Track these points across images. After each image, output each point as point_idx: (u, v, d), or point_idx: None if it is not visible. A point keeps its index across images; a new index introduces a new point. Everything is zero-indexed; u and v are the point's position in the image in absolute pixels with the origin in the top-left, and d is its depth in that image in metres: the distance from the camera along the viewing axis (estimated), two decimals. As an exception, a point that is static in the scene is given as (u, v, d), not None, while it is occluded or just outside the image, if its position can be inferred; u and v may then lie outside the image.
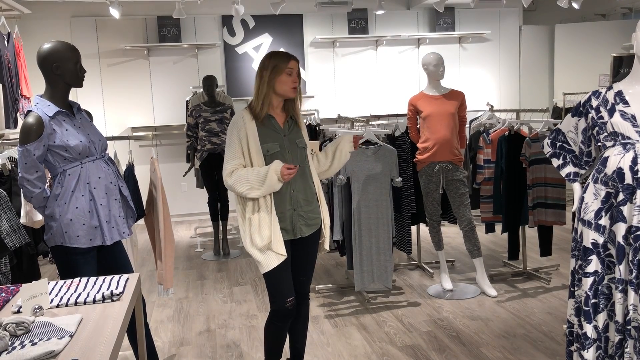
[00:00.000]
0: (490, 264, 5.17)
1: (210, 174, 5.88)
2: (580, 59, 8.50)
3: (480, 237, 4.69)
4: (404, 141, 4.79)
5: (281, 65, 2.71)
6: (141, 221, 3.51)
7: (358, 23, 7.94)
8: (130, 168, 3.31)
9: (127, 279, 2.24)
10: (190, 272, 5.51)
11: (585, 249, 2.41)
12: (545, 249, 4.74)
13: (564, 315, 3.98)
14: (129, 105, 7.60)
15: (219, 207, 6.00)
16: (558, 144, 2.66)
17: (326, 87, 8.05)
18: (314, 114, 6.84)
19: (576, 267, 2.49)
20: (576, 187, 2.58)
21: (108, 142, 3.01)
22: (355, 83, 8.13)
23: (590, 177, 2.45)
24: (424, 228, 5.32)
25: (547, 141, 2.71)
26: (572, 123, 2.59)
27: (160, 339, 3.95)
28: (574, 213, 3.44)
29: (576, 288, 2.48)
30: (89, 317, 1.88)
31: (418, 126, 4.62)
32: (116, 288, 2.11)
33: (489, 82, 8.50)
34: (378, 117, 6.95)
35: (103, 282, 2.20)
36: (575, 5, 7.25)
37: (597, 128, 2.44)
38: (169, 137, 7.73)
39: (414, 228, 5.05)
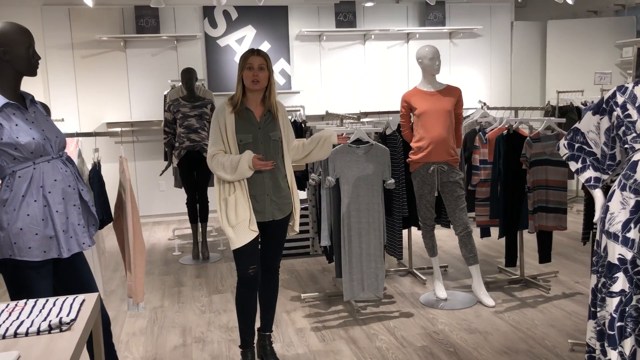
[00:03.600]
0: (485, 270, 4.89)
1: (189, 173, 5.53)
2: (572, 56, 8.28)
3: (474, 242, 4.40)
4: (396, 140, 4.50)
5: (244, 61, 3.04)
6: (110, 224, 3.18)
7: (346, 16, 7.62)
8: (95, 168, 2.96)
9: (83, 301, 1.90)
10: (167, 277, 5.16)
11: (611, 265, 2.13)
12: (545, 255, 4.47)
13: (567, 329, 3.72)
14: (105, 99, 7.20)
15: (198, 208, 5.65)
16: (576, 145, 2.37)
17: (312, 83, 7.72)
18: (299, 110, 6.51)
19: (599, 285, 2.20)
20: (597, 194, 2.29)
21: (72, 138, 2.66)
22: (343, 78, 7.81)
23: (616, 183, 2.16)
24: (415, 232, 5.04)
25: (563, 142, 2.42)
26: (593, 122, 2.30)
27: (131, 355, 3.61)
28: (588, 220, 3.18)
29: (599, 309, 2.20)
30: (29, 354, 1.54)
31: (411, 124, 4.33)
32: (67, 314, 1.77)
33: (479, 79, 8.24)
34: (366, 115, 6.65)
35: (53, 305, 1.87)
36: (569, 1, 7.02)
37: (623, 128, 2.15)
38: (147, 133, 7.35)
39: (405, 232, 4.76)
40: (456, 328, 3.80)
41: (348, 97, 7.81)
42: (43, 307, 1.85)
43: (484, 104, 6.74)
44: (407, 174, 4.48)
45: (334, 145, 3.46)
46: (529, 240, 4.76)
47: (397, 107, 7.47)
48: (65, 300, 1.90)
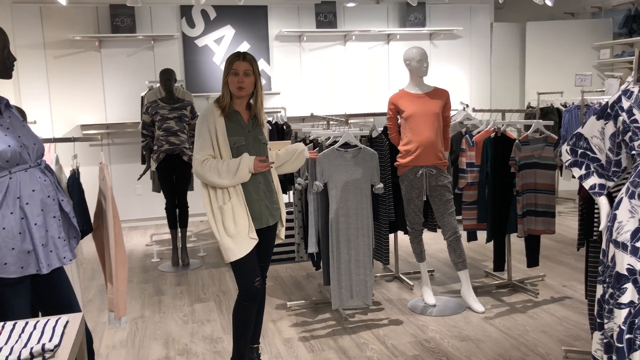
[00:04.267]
0: (472, 274, 4.81)
1: (168, 177, 5.36)
2: (551, 57, 8.32)
3: (464, 247, 4.33)
4: (382, 143, 4.41)
5: (229, 66, 2.94)
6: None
7: (326, 16, 7.51)
8: (74, 176, 2.80)
9: (67, 322, 1.76)
10: (146, 286, 4.99)
11: (619, 276, 2.06)
12: (533, 259, 4.42)
13: (559, 335, 3.67)
14: (79, 101, 6.97)
15: (177, 213, 5.49)
16: (579, 151, 2.30)
17: (292, 84, 7.60)
18: (280, 112, 6.38)
19: (606, 296, 2.13)
20: (602, 201, 2.23)
21: (49, 144, 2.50)
22: (323, 79, 7.70)
23: (624, 191, 2.10)
24: (401, 236, 4.96)
25: (565, 147, 2.35)
26: (598, 127, 2.24)
27: (111, 369, 3.46)
28: (583, 226, 3.11)
29: (606, 320, 2.13)
30: (9, 387, 1.40)
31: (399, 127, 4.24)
32: (50, 339, 1.63)
33: (460, 80, 8.22)
34: (349, 117, 6.54)
35: (34, 328, 1.72)
36: (548, 3, 7.03)
37: (630, 133, 2.09)
38: (122, 135, 7.14)
39: (391, 236, 4.67)
40: (447, 335, 3.73)
41: (329, 99, 7.71)
42: (23, 331, 1.70)
43: (466, 105, 6.70)
44: (393, 177, 4.40)
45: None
46: (515, 243, 4.72)
47: (380, 109, 7.46)
48: (47, 322, 1.76)
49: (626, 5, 8.08)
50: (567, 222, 6.52)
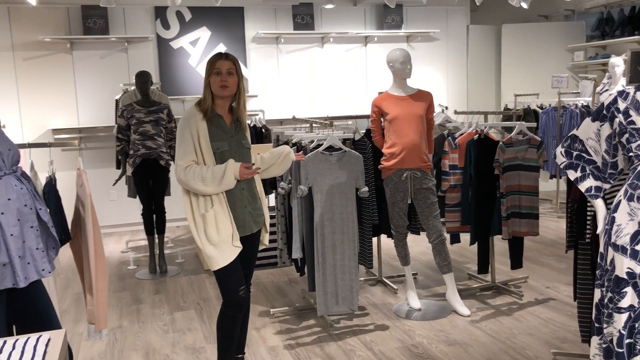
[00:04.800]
0: (455, 277, 4.71)
1: (144, 182, 5.21)
2: (526, 60, 8.38)
3: (449, 250, 4.30)
4: (365, 145, 4.36)
5: (211, 66, 2.83)
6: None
7: (303, 18, 7.44)
8: (51, 182, 2.67)
9: (48, 340, 1.65)
10: (123, 294, 4.84)
11: (619, 280, 2.03)
12: (517, 261, 4.41)
13: (546, 337, 3.65)
14: (50, 104, 6.77)
15: (154, 219, 5.34)
16: (575, 153, 2.27)
17: (270, 86, 7.51)
18: (258, 114, 6.28)
19: (605, 301, 2.10)
20: (599, 204, 2.20)
21: (22, 150, 2.38)
22: (301, 82, 7.63)
23: (622, 193, 2.07)
24: (385, 240, 4.92)
25: (560, 150, 2.32)
26: (593, 129, 2.21)
27: (90, 383, 3.32)
28: (572, 227, 3.09)
29: (605, 325, 2.10)
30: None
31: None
32: (31, 359, 1.52)
33: (437, 82, 8.22)
34: (332, 119, 6.48)
35: (13, 348, 1.60)
36: (524, 5, 7.08)
37: (627, 135, 2.06)
38: (95, 140, 6.96)
39: (374, 240, 4.62)
40: (434, 340, 3.68)
41: (307, 101, 7.64)
42: (0, 352, 1.59)
43: (446, 107, 6.70)
44: (377, 180, 4.35)
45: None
46: (497, 245, 4.71)
47: (358, 111, 7.42)
48: (27, 341, 1.64)
49: (598, 8, 8.19)
50: (546, 223, 6.56)
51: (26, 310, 2.15)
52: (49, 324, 2.16)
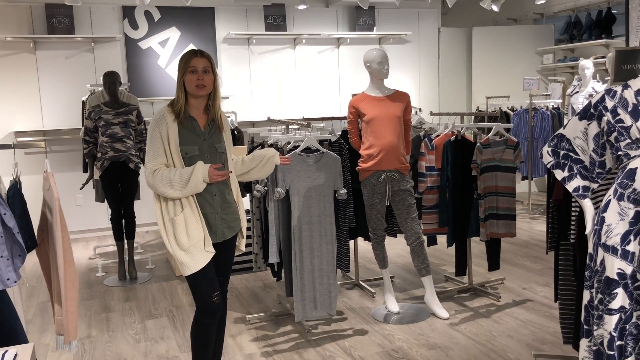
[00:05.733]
0: (433, 279, 4.76)
1: (113, 186, 5.04)
2: (497, 62, 8.45)
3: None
4: (341, 147, 4.28)
5: (185, 64, 2.69)
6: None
7: (275, 19, 7.35)
8: (16, 186, 2.52)
9: (15, 355, 1.52)
10: (92, 302, 4.66)
11: (609, 281, 1.99)
12: (494, 262, 4.40)
13: (526, 339, 3.63)
14: (12, 106, 6.52)
15: (123, 224, 5.17)
16: (562, 152, 2.23)
17: (241, 88, 7.39)
18: (230, 116, 6.16)
19: (595, 302, 2.06)
20: (587, 204, 2.17)
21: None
22: (273, 83, 7.53)
23: (612, 193, 2.04)
24: (361, 243, 4.85)
25: (546, 149, 2.28)
26: (580, 128, 2.17)
27: (57, 397, 3.16)
28: (553, 227, 3.07)
29: (595, 327, 2.06)
30: None
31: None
32: (-2, 377, 1.39)
33: (409, 84, 8.22)
34: (309, 120, 6.40)
35: (-23, 365, 1.48)
36: (495, 8, 7.13)
37: (615, 134, 2.03)
38: (60, 142, 6.73)
39: (351, 243, 4.55)
40: (415, 344, 3.62)
41: (279, 103, 7.54)
42: (-37, 369, 1.46)
43: (419, 109, 6.69)
44: (354, 183, 4.28)
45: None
46: (474, 247, 4.69)
47: (330, 113, 7.35)
48: (-8, 357, 1.52)
49: (566, 12, 8.31)
50: (519, 224, 6.58)
51: (-10, 323, 2.01)
52: (15, 337, 2.02)
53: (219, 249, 2.80)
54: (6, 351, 1.55)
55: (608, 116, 2.06)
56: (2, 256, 1.97)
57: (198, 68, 2.67)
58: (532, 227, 6.54)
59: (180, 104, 2.71)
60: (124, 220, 5.17)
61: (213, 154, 2.76)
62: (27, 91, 6.56)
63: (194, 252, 2.63)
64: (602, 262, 2.03)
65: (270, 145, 3.94)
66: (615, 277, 1.98)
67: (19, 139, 6.48)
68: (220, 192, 2.77)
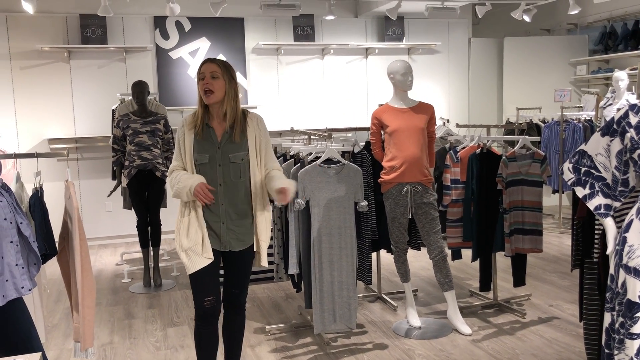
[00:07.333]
0: (456, 294, 4.63)
1: (139, 194, 5.11)
2: (528, 73, 8.32)
3: (450, 267, 4.18)
4: (364, 158, 4.26)
5: (197, 72, 2.79)
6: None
7: (304, 30, 7.38)
8: (37, 194, 2.57)
9: (23, 364, 1.54)
10: (116, 308, 4.72)
11: (631, 304, 1.92)
12: (519, 278, 4.30)
13: (550, 358, 3.53)
14: (46, 114, 6.69)
15: (149, 231, 5.24)
16: (583, 169, 2.16)
17: (269, 98, 7.43)
18: (257, 126, 6.18)
19: (616, 326, 1.98)
20: (609, 223, 2.09)
21: (11, 160, 2.28)
22: (301, 93, 7.55)
23: (634, 212, 1.96)
24: (384, 255, 4.81)
25: (567, 165, 2.22)
26: (603, 144, 2.11)
27: (77, 403, 3.19)
28: (578, 245, 2.99)
29: (616, 351, 1.98)
30: None
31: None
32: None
33: (438, 95, 8.15)
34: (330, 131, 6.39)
35: (-17, 373, 1.50)
36: (526, 18, 7.04)
37: (639, 151, 1.96)
38: (92, 150, 6.87)
39: (373, 255, 4.50)
40: (435, 360, 3.56)
41: (306, 113, 7.56)
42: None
43: (447, 120, 6.62)
44: (376, 194, 4.25)
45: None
46: (499, 261, 4.60)
47: (358, 124, 7.33)
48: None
49: (601, 22, 8.13)
50: (548, 239, 6.44)
51: (5, 330, 2.04)
52: (30, 344, 2.05)
53: (230, 259, 2.86)
54: (14, 360, 1.57)
55: (632, 132, 1.99)
56: (17, 264, 2.00)
57: (206, 73, 2.72)
58: (562, 241, 6.38)
59: (198, 114, 2.79)
60: (149, 228, 5.23)
61: (227, 164, 2.75)
62: (61, 99, 6.72)
63: (192, 254, 2.72)
64: (624, 284, 1.96)
65: (292, 157, 3.94)
66: (637, 300, 1.91)
67: (52, 146, 6.64)
68: (230, 202, 2.77)
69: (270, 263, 4.56)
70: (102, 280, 5.51)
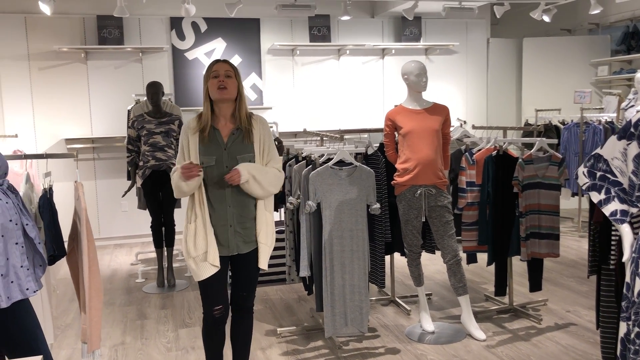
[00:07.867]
0: (471, 298, 4.57)
1: (153, 194, 5.12)
2: (548, 74, 8.18)
3: (465, 271, 4.11)
4: (378, 160, 4.20)
5: (208, 71, 2.77)
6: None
7: (320, 30, 7.35)
8: (46, 196, 2.57)
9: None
10: (129, 308, 4.73)
11: (647, 314, 1.85)
12: (536, 283, 4.22)
13: (567, 366, 3.45)
14: (64, 114, 6.75)
15: (163, 231, 5.24)
16: (598, 174, 2.10)
17: (285, 98, 7.41)
18: (272, 127, 6.17)
19: (631, 336, 1.92)
20: (625, 229, 2.02)
21: (23, 161, 2.28)
22: (317, 94, 7.52)
23: (652, 218, 1.90)
24: (398, 258, 4.75)
25: (582, 170, 2.15)
26: (619, 148, 2.04)
27: (86, 403, 3.19)
28: (595, 250, 2.92)
29: (631, 362, 1.92)
30: None
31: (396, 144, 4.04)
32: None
33: (455, 96, 8.06)
34: (342, 133, 6.35)
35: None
36: (546, 19, 6.92)
37: (657, 155, 1.89)
38: (108, 150, 6.91)
39: (387, 258, 4.45)
40: (447, 366, 3.50)
41: (322, 114, 7.53)
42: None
43: (464, 122, 6.53)
44: (390, 197, 4.19)
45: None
46: (515, 265, 4.52)
47: (374, 125, 7.28)
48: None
49: (624, 22, 7.97)
50: (567, 243, 6.33)
51: (10, 332, 2.03)
52: (35, 346, 2.04)
53: (238, 262, 2.85)
54: (13, 363, 1.56)
55: (649, 136, 1.93)
56: (22, 266, 1.99)
57: (220, 72, 2.74)
58: (581, 245, 6.27)
59: (205, 117, 2.77)
60: (163, 228, 5.24)
61: (233, 165, 2.74)
62: (78, 100, 6.77)
63: (199, 262, 2.72)
64: (640, 293, 1.89)
65: (304, 158, 3.91)
66: (654, 310, 1.84)
67: (69, 146, 6.70)
68: (237, 203, 2.77)
69: (282, 265, 4.54)
70: (117, 280, 5.53)
